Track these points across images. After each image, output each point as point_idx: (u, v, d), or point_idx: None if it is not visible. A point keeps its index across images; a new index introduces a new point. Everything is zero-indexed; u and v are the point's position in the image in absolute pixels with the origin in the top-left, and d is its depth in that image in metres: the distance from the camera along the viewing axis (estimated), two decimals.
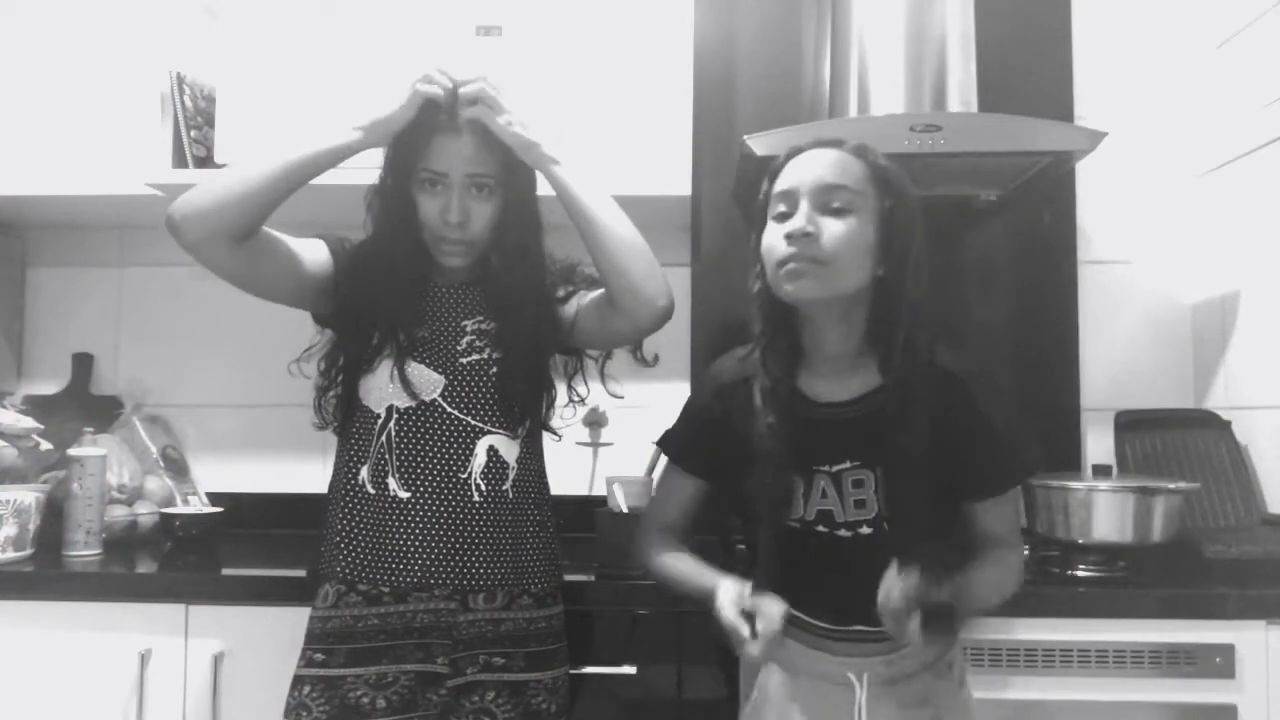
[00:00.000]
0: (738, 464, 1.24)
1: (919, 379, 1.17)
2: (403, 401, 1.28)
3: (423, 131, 1.26)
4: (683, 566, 1.28)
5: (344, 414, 1.33)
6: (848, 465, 1.20)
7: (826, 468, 1.20)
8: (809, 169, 1.18)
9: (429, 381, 1.28)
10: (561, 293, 1.37)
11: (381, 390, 1.28)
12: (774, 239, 1.18)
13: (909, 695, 1.21)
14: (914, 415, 1.16)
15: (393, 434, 1.28)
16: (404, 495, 1.27)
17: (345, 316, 1.33)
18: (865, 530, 1.20)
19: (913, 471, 1.16)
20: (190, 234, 1.21)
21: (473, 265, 1.34)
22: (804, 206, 1.16)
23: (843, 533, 1.20)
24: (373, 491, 1.28)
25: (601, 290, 1.32)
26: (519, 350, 1.31)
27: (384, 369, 1.28)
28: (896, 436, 1.16)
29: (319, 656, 1.25)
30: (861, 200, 1.16)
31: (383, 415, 1.28)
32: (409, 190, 1.29)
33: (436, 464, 1.27)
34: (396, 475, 1.27)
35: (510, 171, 1.29)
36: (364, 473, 1.29)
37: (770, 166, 1.24)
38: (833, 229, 1.14)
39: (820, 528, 1.21)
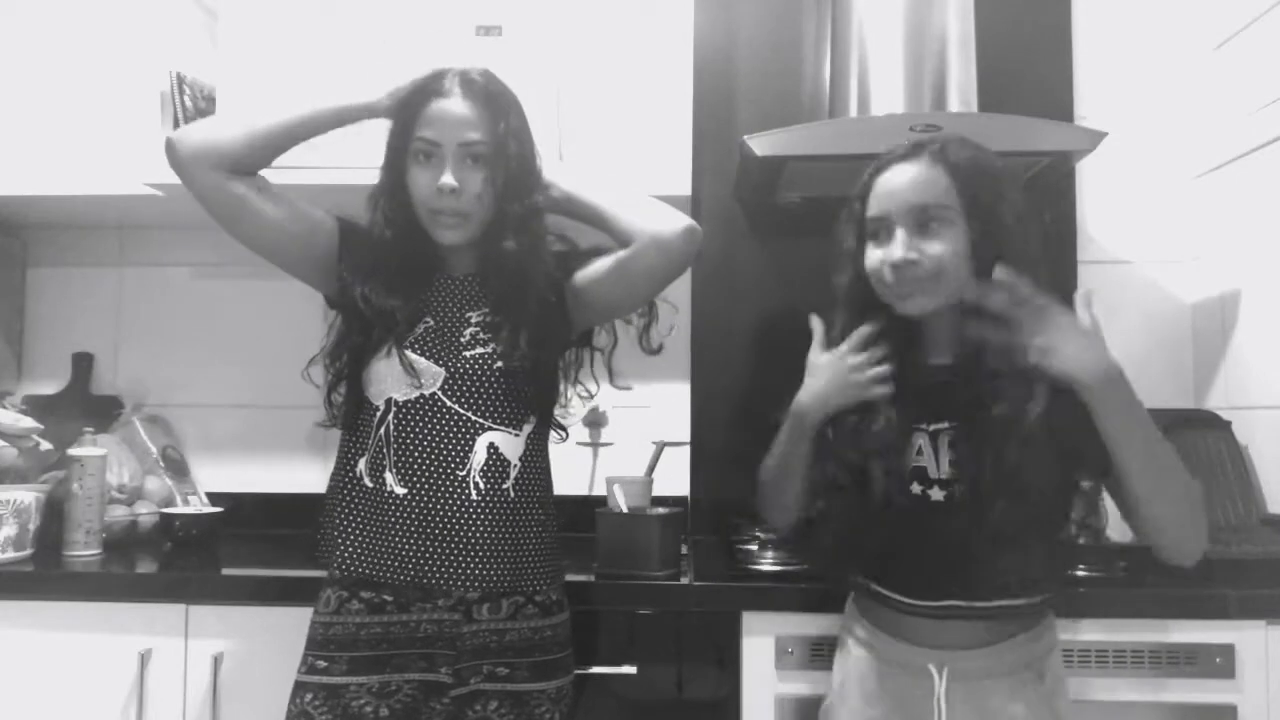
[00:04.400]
0: (848, 429, 1.26)
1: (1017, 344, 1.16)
2: (401, 394, 1.27)
3: (418, 101, 1.26)
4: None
5: (351, 408, 1.32)
6: (945, 425, 1.21)
7: (925, 426, 1.22)
8: (897, 193, 1.19)
9: (429, 374, 1.27)
10: (570, 277, 1.35)
11: (381, 382, 1.28)
12: (876, 263, 1.21)
13: (992, 694, 1.19)
14: (1013, 380, 1.15)
15: (391, 427, 1.27)
16: (400, 491, 1.26)
17: (350, 303, 1.31)
18: (959, 489, 1.19)
19: (1010, 434, 1.14)
20: (185, 149, 1.22)
21: (476, 252, 1.33)
22: (900, 235, 1.18)
23: (936, 494, 1.20)
24: (370, 485, 1.27)
25: (610, 254, 1.33)
26: (521, 323, 1.29)
27: (384, 359, 1.27)
28: (996, 400, 1.15)
29: (321, 663, 1.24)
30: (953, 212, 1.18)
31: (381, 408, 1.28)
32: (404, 167, 1.28)
33: (433, 459, 1.26)
34: (394, 470, 1.26)
35: (506, 141, 1.27)
36: (362, 465, 1.28)
37: (858, 184, 1.24)
38: (932, 250, 1.17)
39: (915, 486, 1.22)
